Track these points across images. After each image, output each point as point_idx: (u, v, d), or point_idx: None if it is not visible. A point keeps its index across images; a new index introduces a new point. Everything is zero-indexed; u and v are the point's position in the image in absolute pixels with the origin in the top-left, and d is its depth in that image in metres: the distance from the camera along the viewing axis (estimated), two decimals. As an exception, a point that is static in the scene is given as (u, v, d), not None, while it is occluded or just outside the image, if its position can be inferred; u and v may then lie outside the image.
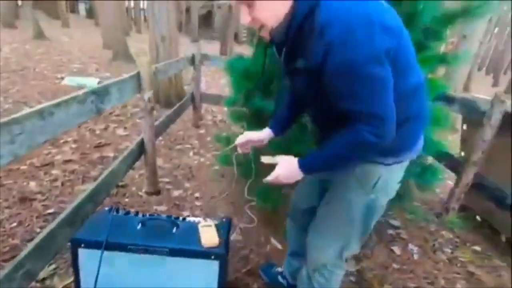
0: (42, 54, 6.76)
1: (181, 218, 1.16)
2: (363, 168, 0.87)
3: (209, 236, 1.04)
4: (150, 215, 1.15)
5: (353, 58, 0.66)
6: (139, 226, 1.06)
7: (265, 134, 1.09)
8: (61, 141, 2.90)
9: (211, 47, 12.73)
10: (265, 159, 0.96)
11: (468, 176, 2.09)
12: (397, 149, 0.86)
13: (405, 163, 0.92)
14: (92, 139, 3.04)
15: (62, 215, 1.23)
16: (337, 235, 0.97)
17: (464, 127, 2.47)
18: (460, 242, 2.03)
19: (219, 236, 1.06)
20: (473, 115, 2.11)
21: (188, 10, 17.06)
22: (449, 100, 2.46)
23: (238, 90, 1.77)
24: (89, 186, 1.50)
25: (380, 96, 0.71)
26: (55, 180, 2.25)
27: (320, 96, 0.79)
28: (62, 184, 2.22)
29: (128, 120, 3.65)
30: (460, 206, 2.22)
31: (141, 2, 20.88)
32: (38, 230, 1.70)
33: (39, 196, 2.04)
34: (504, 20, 18.46)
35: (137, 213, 1.17)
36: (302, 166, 0.85)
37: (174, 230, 1.07)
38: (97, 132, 3.21)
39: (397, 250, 1.87)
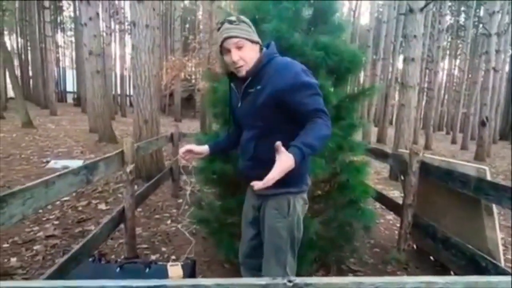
0: (29, 141, 7.14)
1: (154, 262, 1.40)
2: (279, 201, 1.22)
3: (175, 271, 1.28)
4: (127, 261, 1.38)
5: (308, 80, 1.12)
6: (117, 269, 1.29)
7: (203, 149, 1.41)
8: (44, 218, 3.06)
9: (193, 125, 13.74)
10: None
11: (408, 218, 2.44)
12: (300, 180, 1.24)
13: (304, 195, 1.28)
14: (74, 215, 3.21)
15: (45, 275, 1.42)
16: (278, 256, 1.25)
17: (402, 177, 2.93)
18: (413, 280, 2.25)
19: (184, 271, 1.30)
20: (402, 166, 2.59)
21: (171, 94, 18.88)
22: (384, 156, 2.99)
23: (206, 159, 2.17)
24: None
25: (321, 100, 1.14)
26: (36, 255, 2.38)
27: (264, 107, 1.15)
28: (43, 258, 2.34)
29: (110, 195, 3.88)
30: (410, 245, 2.50)
31: (127, 89, 22.84)
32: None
33: (19, 271, 2.15)
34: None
35: (116, 261, 1.40)
36: (299, 161, 0.98)
37: (147, 270, 1.31)
38: (80, 208, 3.40)
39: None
